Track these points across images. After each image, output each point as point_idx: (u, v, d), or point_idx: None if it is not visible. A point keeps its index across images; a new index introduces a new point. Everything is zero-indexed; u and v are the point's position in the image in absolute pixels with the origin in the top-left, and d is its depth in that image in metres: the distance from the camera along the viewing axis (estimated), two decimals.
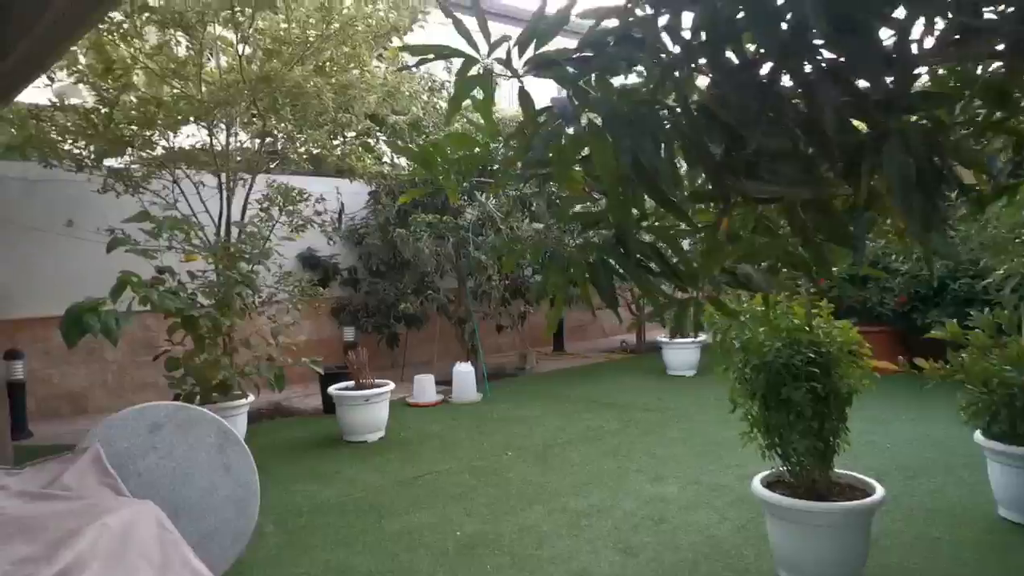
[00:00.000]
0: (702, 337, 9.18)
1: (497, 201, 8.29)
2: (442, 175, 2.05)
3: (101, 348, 8.09)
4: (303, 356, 6.39)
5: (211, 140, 6.60)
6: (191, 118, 6.36)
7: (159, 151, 6.73)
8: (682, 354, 8.86)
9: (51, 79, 6.21)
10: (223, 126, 6.93)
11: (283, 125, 6.91)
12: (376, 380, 6.64)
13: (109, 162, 7.04)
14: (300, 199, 6.55)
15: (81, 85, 6.26)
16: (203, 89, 6.19)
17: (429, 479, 5.18)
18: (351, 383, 6.61)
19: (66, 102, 6.41)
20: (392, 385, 6.57)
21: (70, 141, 6.40)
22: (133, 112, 6.30)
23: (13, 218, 7.42)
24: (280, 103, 6.23)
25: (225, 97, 6.09)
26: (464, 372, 7.88)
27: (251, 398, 6.16)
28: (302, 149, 7.54)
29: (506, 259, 7.34)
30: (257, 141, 7.04)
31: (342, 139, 7.36)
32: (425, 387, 7.79)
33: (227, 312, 5.75)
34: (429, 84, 8.53)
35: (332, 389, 6.51)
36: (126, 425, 3.64)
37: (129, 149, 6.77)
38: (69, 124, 6.27)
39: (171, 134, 6.72)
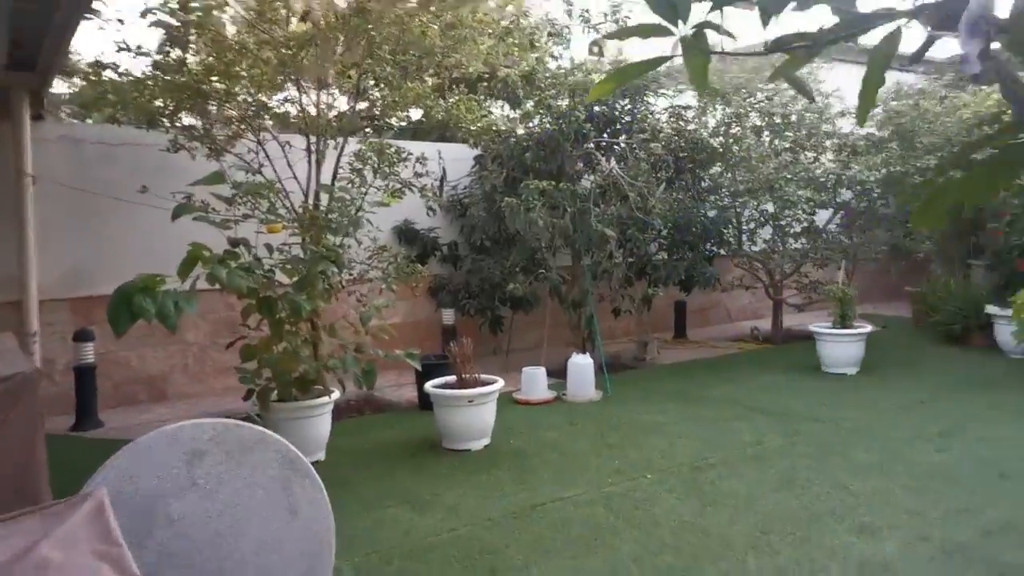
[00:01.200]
0: (866, 328, 7.65)
1: (624, 165, 7.01)
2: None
3: (182, 327, 7.42)
4: (397, 341, 5.41)
5: (299, 94, 5.64)
6: (276, 67, 5.39)
7: (241, 109, 5.82)
8: (842, 347, 7.36)
9: (121, 21, 5.40)
10: (312, 83, 5.99)
11: (380, 87, 5.89)
12: (482, 376, 5.58)
13: (188, 121, 6.25)
14: (398, 159, 5.50)
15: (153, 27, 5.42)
16: (288, 28, 5.20)
17: (552, 510, 4.06)
18: (452, 379, 5.58)
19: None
20: (501, 383, 5.49)
21: (135, 94, 5.58)
22: (211, 59, 5.42)
23: (91, 186, 6.79)
24: (378, 45, 5.18)
25: (312, 37, 5.09)
26: (581, 365, 6.71)
27: (336, 395, 5.22)
28: (401, 113, 6.53)
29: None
30: (349, 100, 6.04)
31: (449, 90, 6.26)
32: (536, 381, 6.68)
33: (310, 293, 4.81)
34: (549, 28, 7.32)
35: (430, 386, 5.49)
36: (156, 453, 2.67)
37: (210, 105, 5.93)
38: (138, 74, 5.46)
39: (254, 90, 5.80)
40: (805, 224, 9.20)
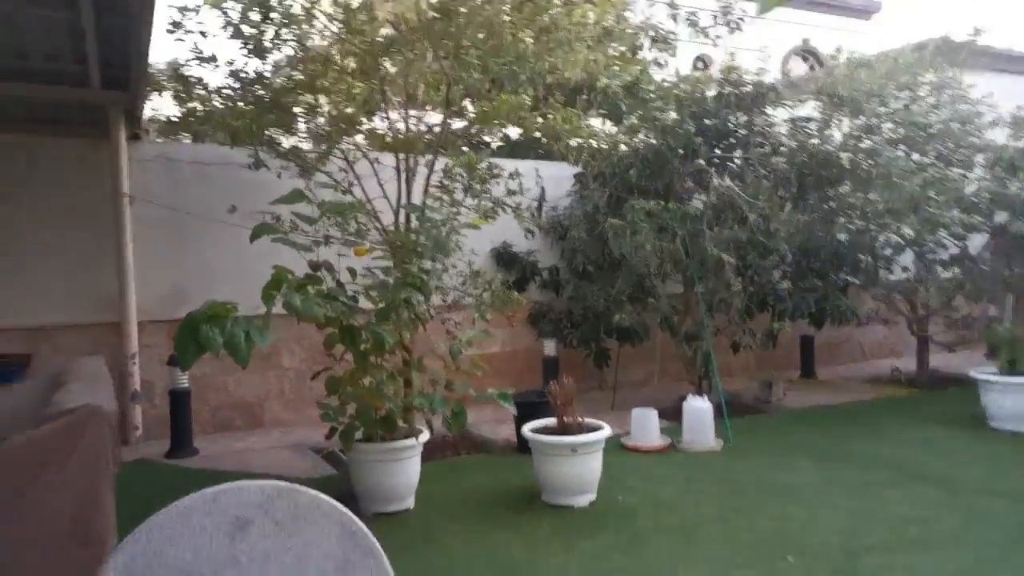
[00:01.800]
0: None
1: (740, 183, 6.21)
2: None
3: (278, 352, 7.19)
4: (494, 373, 4.84)
5: (385, 106, 5.23)
6: (359, 76, 5.02)
7: (326, 124, 5.49)
8: (1014, 398, 6.19)
9: (203, 35, 5.19)
10: (399, 95, 5.60)
11: (472, 100, 5.41)
12: (586, 421, 4.92)
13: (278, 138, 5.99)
14: (490, 175, 4.98)
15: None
16: (369, 29, 4.81)
17: None
18: (552, 423, 4.95)
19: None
20: (607, 431, 4.80)
21: (221, 104, 5.34)
22: (296, 73, 5.11)
23: (186, 206, 6.67)
24: (465, 50, 4.70)
25: (394, 41, 4.67)
26: (699, 409, 5.91)
27: (425, 436, 4.70)
28: (497, 129, 6.05)
29: None
30: (441, 115, 5.60)
31: (544, 101, 5.71)
32: (648, 425, 5.94)
33: (397, 322, 4.32)
34: (651, 33, 6.68)
35: (528, 430, 4.88)
36: (193, 521, 2.19)
37: (298, 120, 5.65)
38: (222, 88, 5.22)
39: (342, 103, 5.46)
40: (955, 251, 8.03)
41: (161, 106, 6.80)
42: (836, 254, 7.08)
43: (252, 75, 5.12)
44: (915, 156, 7.10)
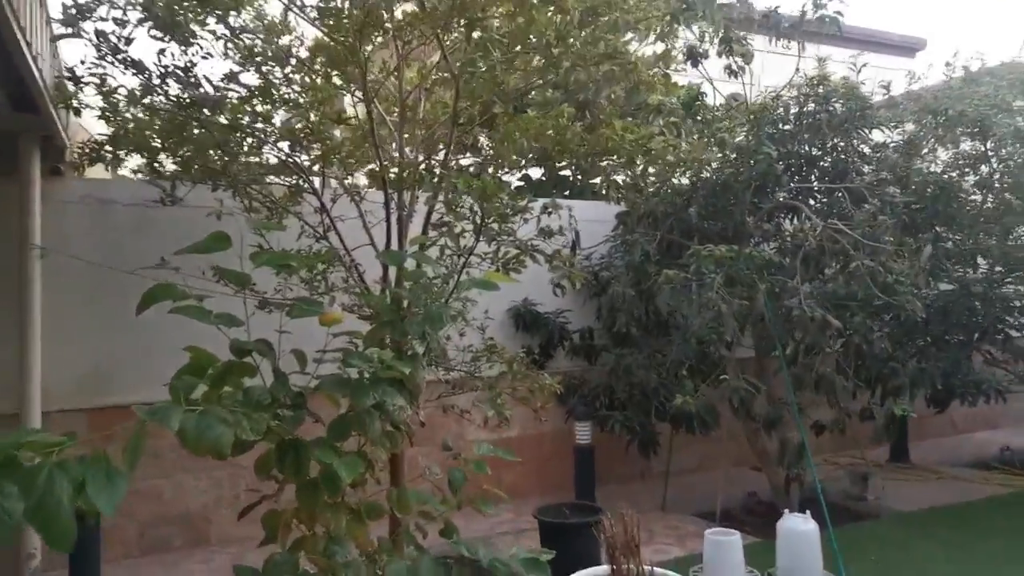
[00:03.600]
0: None
1: (845, 223, 4.64)
2: None
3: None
4: (507, 466, 3.23)
5: (368, 112, 3.74)
6: (331, 66, 3.55)
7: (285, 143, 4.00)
8: None
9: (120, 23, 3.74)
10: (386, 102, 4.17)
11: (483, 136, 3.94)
12: (655, 570, 3.29)
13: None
14: (513, 210, 3.44)
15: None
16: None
17: None
18: (607, 570, 3.32)
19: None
20: None
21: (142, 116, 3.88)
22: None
23: (120, 260, 5.18)
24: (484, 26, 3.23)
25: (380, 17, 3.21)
26: (804, 535, 4.20)
27: None
28: (517, 158, 4.57)
29: None
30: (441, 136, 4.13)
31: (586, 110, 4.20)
32: (727, 560, 4.24)
33: (368, 436, 2.74)
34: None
35: None
36: None
37: (249, 143, 4.17)
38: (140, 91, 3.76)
39: (311, 112, 3.97)
40: None
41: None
42: (969, 312, 5.45)
43: (176, 70, 3.63)
44: None
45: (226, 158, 4.08)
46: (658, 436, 6.08)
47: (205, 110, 3.47)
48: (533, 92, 4.81)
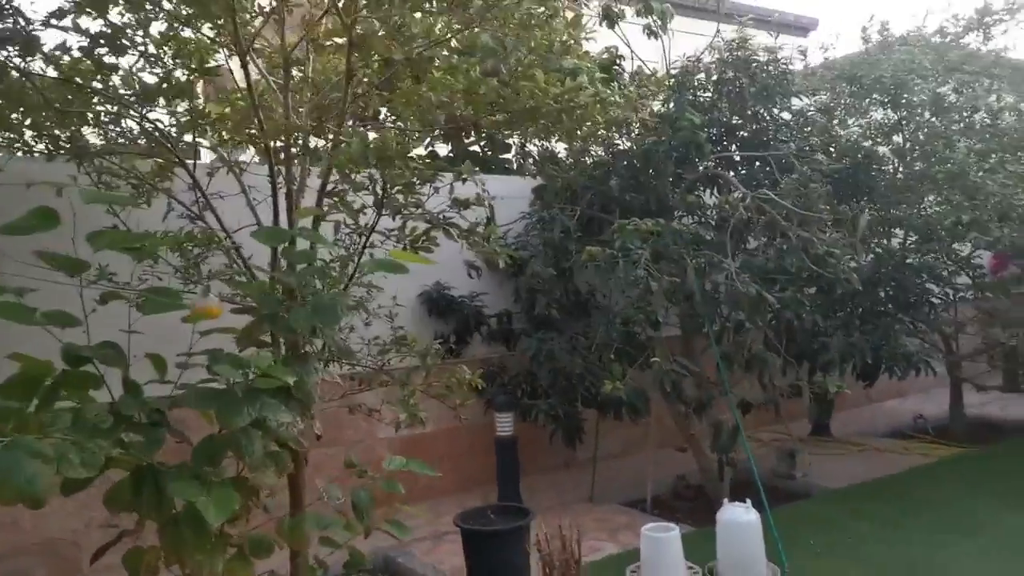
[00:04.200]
0: None
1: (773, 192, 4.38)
2: None
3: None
4: (426, 468, 2.75)
5: (243, 66, 3.14)
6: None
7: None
8: None
9: None
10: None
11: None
12: None
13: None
14: (422, 177, 2.92)
15: None
16: None
17: None
18: None
19: None
20: None
21: None
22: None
23: None
24: None
25: None
26: (745, 527, 3.93)
27: None
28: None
29: None
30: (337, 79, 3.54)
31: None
32: (666, 556, 3.92)
33: (247, 459, 2.19)
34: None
35: None
36: None
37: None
38: None
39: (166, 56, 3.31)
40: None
41: None
42: (895, 282, 5.33)
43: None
44: (977, 147, 5.46)
45: (71, 125, 3.37)
46: (583, 423, 5.75)
47: (10, 49, 2.74)
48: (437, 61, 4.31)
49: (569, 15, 4.75)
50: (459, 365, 3.48)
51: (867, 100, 5.79)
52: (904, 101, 5.75)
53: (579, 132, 3.56)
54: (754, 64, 5.20)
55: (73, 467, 1.82)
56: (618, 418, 5.32)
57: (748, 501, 4.04)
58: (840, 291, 4.80)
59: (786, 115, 5.40)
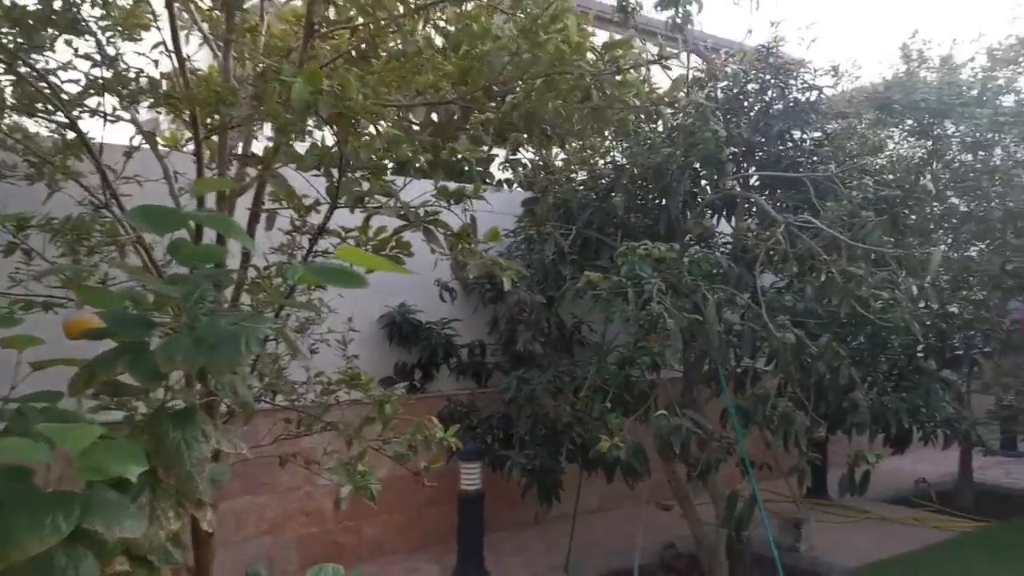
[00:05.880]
0: None
1: (828, 212, 3.65)
2: None
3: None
4: (374, 516, 1.90)
5: (168, 5, 2.29)
6: None
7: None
8: None
9: None
10: None
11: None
12: None
13: None
14: (394, 154, 2.08)
15: None
16: None
17: None
18: None
19: None
20: None
21: None
22: None
23: None
24: None
25: None
26: None
27: None
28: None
29: None
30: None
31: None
32: None
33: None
34: None
35: None
36: None
37: None
38: None
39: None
40: None
41: None
42: (939, 334, 4.62)
43: None
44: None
45: None
46: (560, 483, 4.89)
47: None
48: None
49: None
50: (428, 418, 2.61)
51: (898, 129, 5.16)
52: (936, 133, 5.13)
53: (611, 115, 2.75)
54: (785, 77, 4.51)
55: None
56: (610, 479, 4.48)
57: None
58: (875, 341, 4.07)
59: (816, 134, 4.72)
